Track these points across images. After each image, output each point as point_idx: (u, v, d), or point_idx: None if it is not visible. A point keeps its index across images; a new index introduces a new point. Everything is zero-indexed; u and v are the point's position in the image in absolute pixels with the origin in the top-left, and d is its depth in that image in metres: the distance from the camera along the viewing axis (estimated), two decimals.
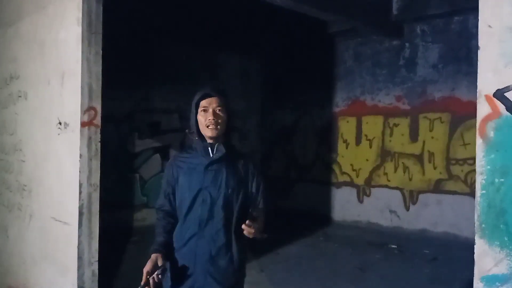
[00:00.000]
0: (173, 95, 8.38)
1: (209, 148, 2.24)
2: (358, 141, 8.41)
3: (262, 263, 5.80)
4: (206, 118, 2.19)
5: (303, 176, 9.39)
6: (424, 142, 7.54)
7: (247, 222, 2.04)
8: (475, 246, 1.67)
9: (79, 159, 3.68)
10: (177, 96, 8.36)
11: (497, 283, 1.61)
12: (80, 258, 3.63)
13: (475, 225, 1.68)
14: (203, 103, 2.22)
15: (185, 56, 8.65)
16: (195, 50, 8.81)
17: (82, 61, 3.72)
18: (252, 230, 2.04)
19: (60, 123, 3.92)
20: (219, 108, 2.21)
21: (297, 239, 7.22)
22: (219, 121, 2.20)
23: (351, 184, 8.48)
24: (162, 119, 8.52)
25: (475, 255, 1.68)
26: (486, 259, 1.64)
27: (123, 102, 7.82)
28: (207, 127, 2.19)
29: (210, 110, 2.19)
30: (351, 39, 8.42)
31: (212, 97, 2.22)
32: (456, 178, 7.15)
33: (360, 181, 8.35)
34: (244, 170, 2.28)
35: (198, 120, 2.23)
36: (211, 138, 2.22)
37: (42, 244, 4.13)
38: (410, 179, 7.67)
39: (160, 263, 2.07)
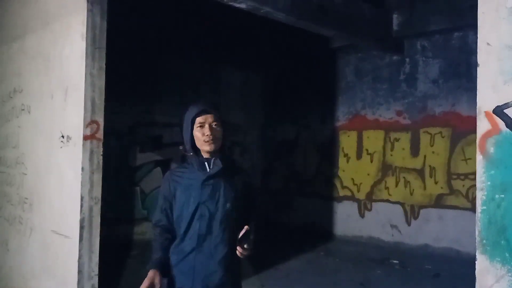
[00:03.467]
0: (175, 109, 8.40)
1: (206, 163, 2.25)
2: (359, 156, 8.41)
3: (262, 278, 5.76)
4: (203, 133, 2.20)
5: (304, 190, 9.37)
6: (425, 156, 7.54)
7: (245, 246, 2.08)
8: (476, 262, 1.67)
9: (81, 172, 3.69)
10: (178, 110, 8.33)
11: None
12: (80, 271, 3.62)
13: (476, 241, 1.68)
14: (199, 119, 2.23)
15: (187, 70, 8.72)
16: (196, 64, 8.88)
17: (85, 75, 3.76)
18: (245, 253, 2.09)
19: (62, 137, 3.95)
20: (215, 123, 2.23)
21: (298, 254, 7.17)
22: (216, 136, 2.22)
23: (352, 198, 8.46)
24: (164, 132, 8.54)
25: (476, 271, 1.68)
26: (488, 276, 1.64)
27: (125, 116, 7.86)
28: (206, 142, 2.20)
29: (207, 125, 2.21)
30: (352, 54, 8.50)
31: (208, 113, 2.23)
32: (458, 193, 7.13)
33: (361, 195, 8.33)
34: (240, 184, 2.29)
35: (195, 135, 2.24)
36: (208, 152, 2.24)
37: (42, 258, 4.11)
38: (411, 194, 7.65)
39: (157, 280, 2.07)
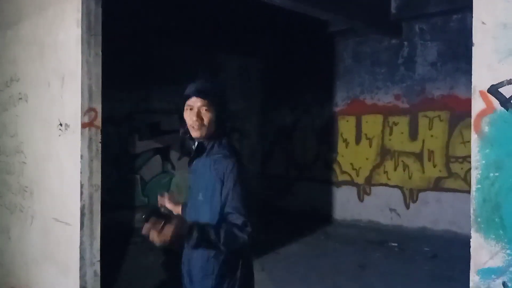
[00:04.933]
0: (173, 96, 8.38)
1: (193, 148, 2.16)
2: (358, 140, 8.43)
3: (262, 262, 5.82)
4: (190, 118, 2.07)
5: (303, 176, 9.41)
6: (423, 140, 7.56)
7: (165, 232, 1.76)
8: (471, 240, 1.70)
9: (80, 160, 3.69)
10: (176, 96, 8.32)
11: (492, 275, 1.63)
12: (82, 258, 3.65)
13: (471, 219, 1.70)
14: (189, 102, 2.10)
15: (185, 56, 8.68)
16: (195, 51, 8.84)
17: (82, 62, 3.73)
18: (157, 239, 1.76)
19: (60, 125, 3.94)
20: (204, 108, 2.06)
21: (298, 238, 7.24)
22: (203, 122, 2.05)
23: (351, 183, 8.50)
24: (162, 119, 8.54)
25: (471, 249, 1.70)
26: (482, 252, 1.66)
27: (123, 103, 7.86)
28: (191, 127, 2.09)
29: (195, 110, 2.07)
30: (350, 38, 8.46)
31: (197, 97, 2.07)
32: (456, 176, 7.17)
33: (360, 180, 8.37)
34: (225, 172, 2.01)
35: (185, 118, 2.12)
36: (196, 139, 2.12)
37: (43, 245, 4.15)
38: (410, 178, 7.69)
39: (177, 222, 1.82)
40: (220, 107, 2.11)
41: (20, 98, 4.63)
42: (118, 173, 7.69)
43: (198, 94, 2.08)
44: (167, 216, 1.82)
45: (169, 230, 1.74)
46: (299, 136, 9.50)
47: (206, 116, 2.06)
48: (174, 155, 8.72)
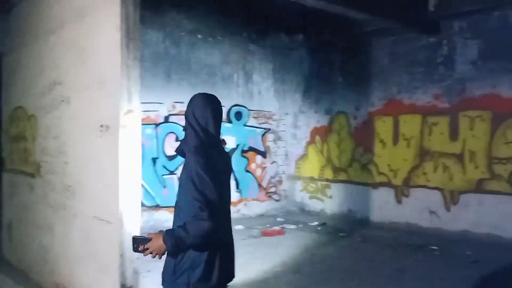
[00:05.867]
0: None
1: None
2: (395, 141, 8.25)
3: (297, 263, 5.79)
4: None
5: (338, 177, 9.29)
6: (464, 141, 7.32)
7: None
8: None
9: (119, 160, 3.80)
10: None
11: None
12: (122, 256, 3.75)
13: None
14: None
15: (219, 59, 8.79)
16: (229, 53, 8.93)
17: (121, 66, 3.84)
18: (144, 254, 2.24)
19: (101, 126, 4.07)
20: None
21: (334, 240, 7.16)
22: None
23: (388, 184, 8.33)
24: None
25: None
26: None
27: (160, 106, 8.03)
28: None
29: None
30: (387, 37, 8.30)
31: None
32: (499, 178, 6.90)
33: (398, 181, 8.19)
34: (184, 175, 2.24)
35: None
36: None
37: (85, 243, 4.28)
38: (451, 179, 7.46)
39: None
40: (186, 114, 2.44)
41: (63, 101, 4.80)
42: (155, 173, 7.87)
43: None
44: (147, 239, 2.25)
45: (144, 249, 2.22)
46: (334, 137, 9.39)
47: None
48: None
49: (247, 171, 9.46)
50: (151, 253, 2.19)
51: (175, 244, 2.12)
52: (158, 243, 2.17)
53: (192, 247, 2.18)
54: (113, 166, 3.86)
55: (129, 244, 3.81)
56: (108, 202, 3.94)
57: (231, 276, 2.46)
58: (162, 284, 2.37)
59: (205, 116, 2.35)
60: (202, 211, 2.09)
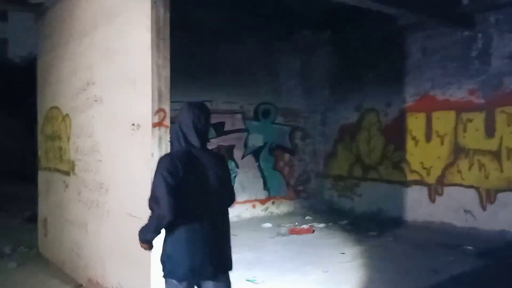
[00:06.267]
0: (235, 96, 8.55)
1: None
2: (428, 138, 8.04)
3: (326, 262, 5.73)
4: None
5: (369, 176, 9.13)
6: (501, 137, 7.06)
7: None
8: None
9: (151, 158, 3.85)
10: (239, 97, 8.53)
11: None
12: (153, 253, 3.79)
13: None
14: None
15: (245, 57, 8.76)
16: (255, 51, 8.90)
17: (152, 66, 3.89)
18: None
19: (133, 125, 4.13)
20: None
21: (364, 239, 7.04)
22: None
23: (421, 183, 8.13)
24: (226, 119, 8.70)
25: None
26: None
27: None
28: None
29: None
30: (419, 31, 8.09)
31: None
32: None
33: (431, 179, 7.98)
34: None
35: None
36: None
37: (118, 239, 4.36)
38: (487, 177, 7.21)
39: None
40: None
41: (96, 100, 4.91)
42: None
43: None
44: None
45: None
46: (364, 134, 9.22)
47: None
48: (237, 153, 8.85)
49: (275, 170, 9.43)
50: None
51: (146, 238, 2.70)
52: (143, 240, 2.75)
53: (151, 233, 2.65)
54: (145, 164, 3.92)
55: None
56: (140, 199, 3.99)
57: (221, 269, 2.66)
58: None
59: (187, 123, 2.66)
60: (153, 204, 2.57)
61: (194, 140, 2.65)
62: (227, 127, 8.68)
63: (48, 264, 5.90)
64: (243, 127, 8.93)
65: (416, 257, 6.08)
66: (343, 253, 6.22)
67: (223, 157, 2.97)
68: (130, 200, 4.18)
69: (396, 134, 8.55)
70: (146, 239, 2.70)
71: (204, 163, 2.64)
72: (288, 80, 9.53)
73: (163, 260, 2.67)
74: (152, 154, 3.85)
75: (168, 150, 4.00)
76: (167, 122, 3.98)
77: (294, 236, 7.37)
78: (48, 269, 5.71)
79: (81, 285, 2.94)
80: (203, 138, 2.70)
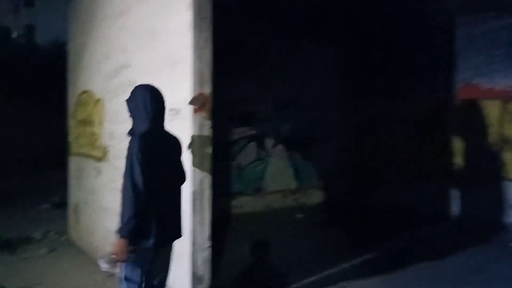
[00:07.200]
0: (266, 86, 8.29)
1: None
2: None
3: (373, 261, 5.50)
4: None
5: (401, 170, 8.70)
6: None
7: None
8: None
9: (191, 145, 3.67)
10: (269, 86, 8.27)
11: None
12: (193, 244, 3.63)
13: None
14: None
15: (276, 47, 8.44)
16: (285, 41, 8.56)
17: (193, 47, 3.69)
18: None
19: (171, 110, 3.94)
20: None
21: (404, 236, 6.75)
22: None
23: None
24: (257, 108, 8.48)
25: None
26: None
27: (220, 93, 7.86)
28: None
29: None
30: (462, 16, 7.65)
31: None
32: None
33: None
34: None
35: None
36: None
37: None
38: None
39: None
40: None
41: (130, 85, 4.73)
42: (214, 160, 7.75)
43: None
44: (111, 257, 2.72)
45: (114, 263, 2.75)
46: (398, 126, 8.76)
47: None
48: (268, 142, 8.63)
49: (306, 159, 9.16)
50: (118, 261, 2.64)
51: (126, 229, 2.57)
52: (117, 245, 2.59)
53: (133, 221, 2.58)
54: (184, 151, 3.73)
55: (200, 232, 3.70)
56: None
57: (172, 236, 2.97)
58: None
59: (152, 107, 2.89)
60: (128, 189, 2.63)
61: (160, 122, 2.96)
62: (258, 116, 8.46)
63: (79, 251, 5.83)
64: (273, 115, 8.69)
65: (464, 255, 5.70)
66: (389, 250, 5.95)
67: (178, 139, 3.15)
68: None
69: (434, 125, 8.15)
70: (127, 229, 2.59)
71: (167, 145, 2.99)
72: (318, 70, 9.15)
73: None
74: (193, 141, 3.67)
75: (209, 135, 3.84)
76: (208, 107, 3.79)
77: None
78: (79, 256, 5.64)
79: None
80: (162, 120, 2.98)
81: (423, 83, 8.33)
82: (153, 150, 2.74)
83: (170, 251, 3.05)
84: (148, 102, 2.90)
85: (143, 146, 2.69)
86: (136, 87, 3.07)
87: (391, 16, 8.51)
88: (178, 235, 3.02)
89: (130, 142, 2.77)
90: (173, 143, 3.06)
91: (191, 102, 3.69)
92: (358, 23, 9.08)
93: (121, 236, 2.59)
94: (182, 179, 3.06)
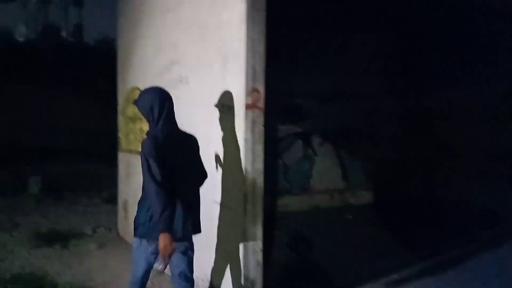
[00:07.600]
0: (314, 81, 8.01)
1: None
2: None
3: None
4: None
5: (457, 168, 8.17)
6: None
7: None
8: None
9: (243, 143, 3.53)
10: (316, 82, 7.98)
11: None
12: (245, 246, 3.50)
13: None
14: None
15: (319, 41, 8.09)
16: (327, 35, 8.18)
17: (246, 40, 3.54)
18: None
19: (222, 106, 3.82)
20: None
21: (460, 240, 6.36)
22: None
23: None
24: (303, 105, 8.25)
25: None
26: None
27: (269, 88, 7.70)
28: None
29: None
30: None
31: None
32: None
33: None
34: None
35: None
36: None
37: (207, 228, 4.10)
38: None
39: None
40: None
41: (181, 81, 4.66)
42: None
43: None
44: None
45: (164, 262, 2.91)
46: (458, 119, 8.05)
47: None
48: (315, 140, 8.40)
49: (355, 158, 8.86)
50: (167, 256, 2.79)
51: (164, 222, 2.71)
52: (162, 242, 2.73)
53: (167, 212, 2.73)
54: (235, 149, 3.60)
55: (252, 234, 3.56)
56: (230, 188, 3.70)
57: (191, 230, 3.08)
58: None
59: (158, 109, 2.96)
60: (151, 184, 2.73)
61: (170, 122, 3.04)
62: (304, 113, 8.23)
63: (128, 247, 5.84)
64: (320, 112, 8.42)
65: None
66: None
67: (194, 138, 3.26)
68: (218, 188, 3.90)
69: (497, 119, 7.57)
70: (165, 221, 2.73)
71: (182, 143, 3.08)
72: (363, 63, 8.70)
73: (140, 222, 2.92)
74: (245, 139, 3.53)
75: (262, 134, 3.69)
76: (261, 103, 3.63)
77: None
78: (128, 252, 5.64)
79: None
80: (172, 120, 3.07)
81: (479, 74, 7.69)
82: (166, 150, 2.83)
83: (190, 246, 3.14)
84: (154, 105, 2.97)
85: (155, 145, 2.79)
86: (142, 91, 3.16)
87: None
88: (196, 230, 3.16)
89: (143, 143, 2.84)
90: (188, 142, 3.16)
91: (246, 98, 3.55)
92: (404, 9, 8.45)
93: (162, 231, 2.71)
94: (200, 177, 3.19)
